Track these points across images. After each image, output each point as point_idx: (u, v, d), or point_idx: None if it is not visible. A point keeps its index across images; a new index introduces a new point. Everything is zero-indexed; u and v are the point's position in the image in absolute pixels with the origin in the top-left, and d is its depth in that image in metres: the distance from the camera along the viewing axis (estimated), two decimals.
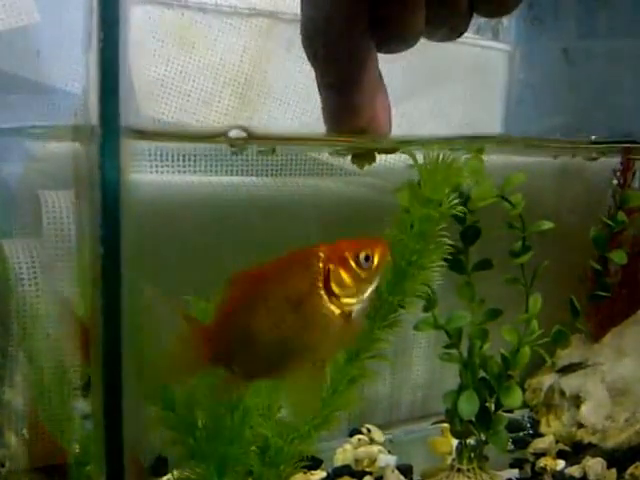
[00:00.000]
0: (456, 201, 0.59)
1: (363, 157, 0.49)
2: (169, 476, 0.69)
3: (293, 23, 0.78)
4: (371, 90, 0.39)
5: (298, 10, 0.40)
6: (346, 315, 0.41)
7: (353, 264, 0.41)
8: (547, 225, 0.71)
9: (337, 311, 0.41)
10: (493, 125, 0.95)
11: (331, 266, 0.40)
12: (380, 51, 0.40)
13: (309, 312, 0.41)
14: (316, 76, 0.39)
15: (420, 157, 0.59)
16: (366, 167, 0.51)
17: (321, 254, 0.41)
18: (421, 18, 0.38)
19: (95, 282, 0.36)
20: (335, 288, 0.40)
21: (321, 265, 0.41)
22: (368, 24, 0.38)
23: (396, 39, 0.39)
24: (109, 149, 0.33)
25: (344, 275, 0.41)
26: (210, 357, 0.42)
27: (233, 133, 0.48)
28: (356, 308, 0.41)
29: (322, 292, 0.41)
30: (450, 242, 0.67)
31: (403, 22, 0.38)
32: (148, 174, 0.72)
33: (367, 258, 0.41)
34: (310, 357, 0.42)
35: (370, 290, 0.42)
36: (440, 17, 0.39)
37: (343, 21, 0.37)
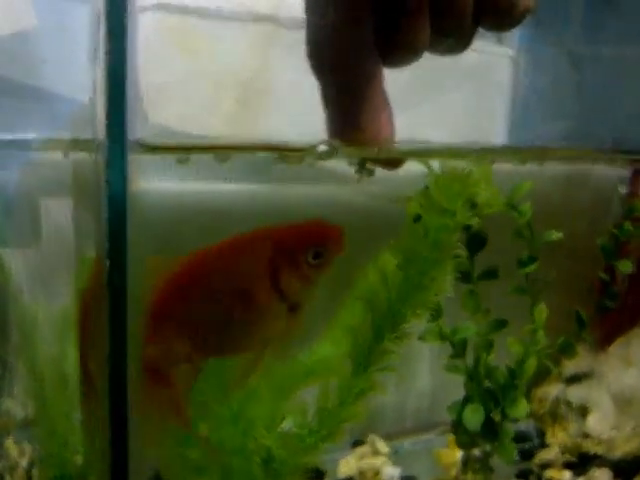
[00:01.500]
0: (470, 212, 0.59)
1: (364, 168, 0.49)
2: None
3: (293, 29, 0.78)
4: (376, 105, 0.40)
5: (298, 16, 0.39)
6: (291, 306, 0.40)
7: (303, 261, 0.38)
8: (556, 235, 0.71)
9: (282, 306, 0.39)
10: (498, 131, 0.94)
11: (279, 263, 0.38)
12: (386, 64, 0.40)
13: (252, 306, 0.39)
14: (320, 89, 0.39)
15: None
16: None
17: (269, 246, 0.39)
18: (425, 31, 0.39)
19: (101, 295, 0.35)
20: (283, 286, 0.39)
21: (268, 261, 0.39)
22: (374, 38, 0.38)
23: (401, 52, 0.39)
24: (115, 163, 0.32)
25: (292, 276, 0.39)
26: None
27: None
28: (302, 300, 0.40)
29: (269, 288, 0.39)
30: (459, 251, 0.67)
31: (408, 35, 0.38)
32: (154, 182, 0.71)
33: (317, 255, 0.39)
34: (249, 345, 0.41)
35: (316, 282, 0.40)
36: (444, 30, 0.39)
37: (350, 34, 0.38)
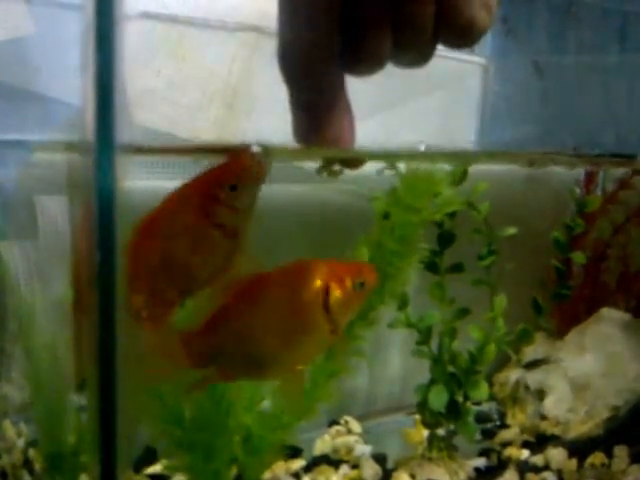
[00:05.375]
0: (434, 209, 0.64)
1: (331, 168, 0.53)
2: (158, 465, 0.72)
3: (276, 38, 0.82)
4: (338, 111, 0.42)
5: None
6: (333, 328, 0.44)
7: (351, 287, 0.43)
8: (511, 231, 0.76)
9: (328, 327, 0.43)
10: (468, 135, 0.99)
11: (332, 285, 0.43)
12: (349, 74, 0.43)
13: (302, 325, 0.44)
14: (289, 95, 0.42)
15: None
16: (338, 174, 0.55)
17: (323, 272, 0.43)
18: (386, 44, 0.41)
19: (91, 283, 0.38)
20: (332, 306, 0.43)
21: (322, 282, 0.43)
22: (339, 47, 0.41)
23: (363, 63, 0.42)
24: (104, 166, 0.36)
25: (342, 296, 0.43)
26: (192, 361, 0.44)
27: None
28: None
29: (319, 308, 0.43)
30: (428, 245, 0.72)
31: (369, 47, 0.41)
32: (141, 181, 0.75)
33: (362, 284, 0.44)
34: (293, 363, 0.45)
35: (356, 310, 0.45)
36: (405, 44, 0.42)
37: (317, 48, 0.40)
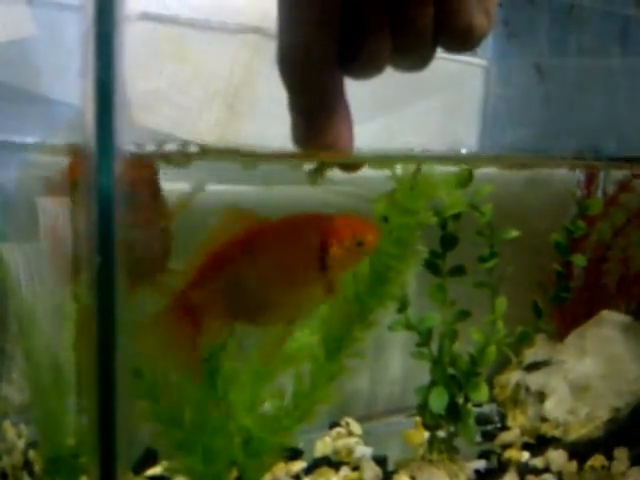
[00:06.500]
0: (431, 212, 0.64)
1: (315, 173, 0.53)
2: (158, 467, 0.73)
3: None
4: (337, 115, 0.42)
5: None
6: (328, 284, 0.44)
7: (349, 245, 0.43)
8: (513, 233, 0.76)
9: (323, 282, 0.43)
10: (469, 137, 0.99)
11: (330, 242, 0.42)
12: (349, 77, 0.43)
13: (297, 278, 0.43)
14: (288, 99, 0.42)
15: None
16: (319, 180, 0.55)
17: (323, 228, 0.43)
18: (385, 49, 0.41)
19: (91, 286, 0.38)
20: (328, 263, 0.42)
21: (320, 239, 0.43)
22: (339, 51, 0.41)
23: (362, 67, 0.42)
24: (104, 168, 0.36)
25: (339, 253, 0.42)
26: (190, 317, 0.44)
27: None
28: (337, 282, 0.44)
29: (315, 264, 0.42)
30: (429, 247, 0.73)
31: (369, 51, 0.41)
32: None
33: (361, 243, 0.44)
34: (285, 315, 0.45)
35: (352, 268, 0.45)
36: (405, 48, 0.42)
37: (316, 52, 0.41)
